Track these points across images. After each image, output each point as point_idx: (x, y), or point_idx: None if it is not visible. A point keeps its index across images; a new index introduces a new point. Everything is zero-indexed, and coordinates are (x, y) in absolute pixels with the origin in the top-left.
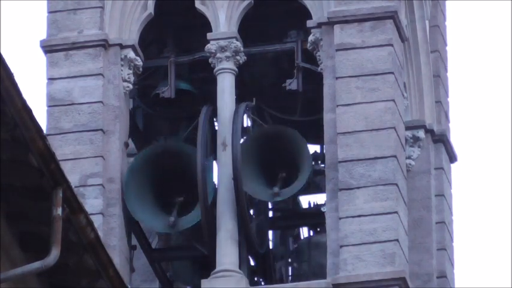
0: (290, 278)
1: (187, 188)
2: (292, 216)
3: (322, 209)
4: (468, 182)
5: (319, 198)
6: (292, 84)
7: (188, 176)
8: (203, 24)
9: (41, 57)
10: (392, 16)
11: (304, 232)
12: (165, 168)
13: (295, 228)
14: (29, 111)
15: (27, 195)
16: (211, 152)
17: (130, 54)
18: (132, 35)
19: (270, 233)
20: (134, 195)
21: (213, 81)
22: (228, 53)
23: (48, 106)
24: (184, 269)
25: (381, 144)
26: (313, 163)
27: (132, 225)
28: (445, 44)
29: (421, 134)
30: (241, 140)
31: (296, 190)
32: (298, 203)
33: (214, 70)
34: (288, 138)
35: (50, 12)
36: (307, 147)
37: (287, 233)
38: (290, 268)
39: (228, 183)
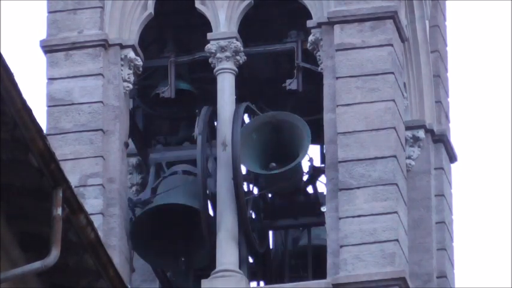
0: (290, 278)
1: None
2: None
3: (322, 209)
4: (468, 182)
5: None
6: (292, 84)
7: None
8: (203, 24)
9: (41, 57)
10: (393, 16)
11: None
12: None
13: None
14: (29, 111)
15: (27, 195)
16: (211, 152)
17: (130, 54)
18: (132, 35)
19: (270, 233)
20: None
21: (213, 81)
22: (228, 53)
23: (48, 106)
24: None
25: (380, 144)
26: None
27: (132, 225)
28: (445, 44)
29: (421, 134)
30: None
31: (294, 164)
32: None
33: (214, 70)
34: (290, 125)
35: (50, 12)
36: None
37: (287, 233)
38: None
39: (228, 183)
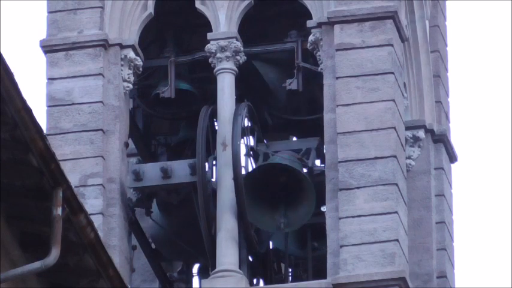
0: (290, 278)
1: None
2: None
3: (322, 209)
4: (468, 182)
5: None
6: (292, 84)
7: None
8: (203, 24)
9: (41, 57)
10: (393, 16)
11: None
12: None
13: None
14: (29, 111)
15: (27, 195)
16: (212, 152)
17: (130, 54)
18: (132, 35)
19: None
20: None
21: (213, 81)
22: (228, 53)
23: (48, 106)
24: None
25: (380, 144)
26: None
27: (132, 225)
28: (445, 44)
29: (421, 134)
30: (249, 169)
31: (304, 220)
32: None
33: (214, 70)
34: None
35: (50, 12)
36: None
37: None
38: (290, 268)
39: (228, 183)
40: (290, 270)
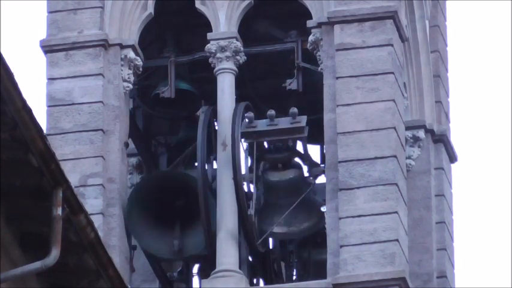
0: (290, 278)
1: (188, 206)
2: None
3: (322, 208)
4: (468, 182)
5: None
6: (292, 84)
7: (189, 198)
8: (203, 24)
9: (41, 57)
10: (393, 16)
11: None
12: (165, 193)
13: None
14: (29, 111)
15: (27, 195)
16: (212, 152)
17: (130, 54)
18: (132, 35)
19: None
20: (137, 223)
21: (213, 81)
22: (228, 53)
23: (48, 106)
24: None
25: (380, 144)
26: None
27: (132, 225)
28: (445, 44)
29: (421, 134)
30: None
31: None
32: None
33: (214, 70)
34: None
35: (50, 12)
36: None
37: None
38: (290, 268)
39: (228, 183)
40: (294, 270)
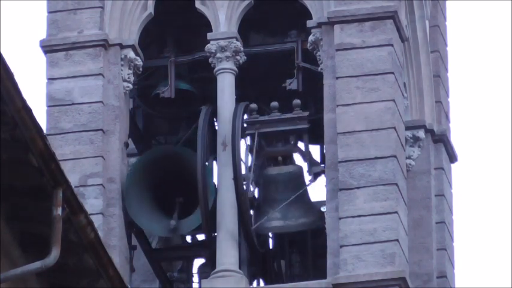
0: (290, 278)
1: (187, 190)
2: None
3: (322, 208)
4: (468, 182)
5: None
6: (292, 84)
7: (188, 178)
8: (203, 24)
9: (41, 57)
10: (393, 16)
11: None
12: (165, 171)
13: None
14: (29, 111)
15: (27, 195)
16: (212, 152)
17: (130, 54)
18: (132, 35)
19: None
20: (135, 199)
21: (213, 81)
22: (228, 53)
23: (48, 106)
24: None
25: (380, 144)
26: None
27: (132, 225)
28: (445, 44)
29: (421, 134)
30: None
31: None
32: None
33: (214, 70)
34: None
35: (50, 12)
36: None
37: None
38: (290, 268)
39: (228, 183)
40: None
